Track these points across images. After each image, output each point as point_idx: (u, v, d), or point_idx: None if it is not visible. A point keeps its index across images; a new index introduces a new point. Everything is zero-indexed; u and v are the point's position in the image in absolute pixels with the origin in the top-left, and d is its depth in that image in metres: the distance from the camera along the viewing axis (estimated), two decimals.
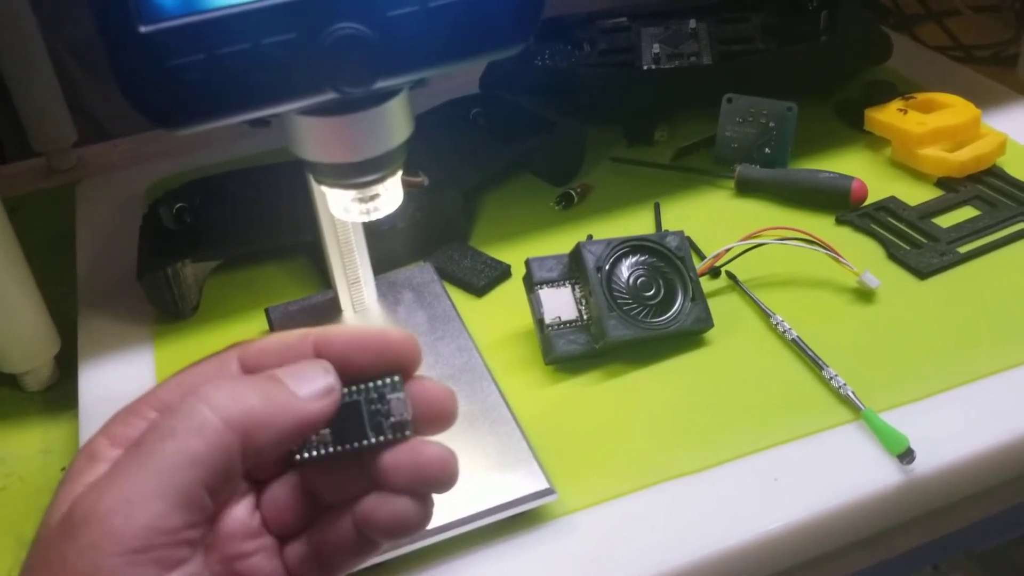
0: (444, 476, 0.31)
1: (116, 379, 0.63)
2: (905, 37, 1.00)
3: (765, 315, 0.63)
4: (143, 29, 0.34)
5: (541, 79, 0.84)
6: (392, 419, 0.31)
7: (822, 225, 0.71)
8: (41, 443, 0.62)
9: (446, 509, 0.49)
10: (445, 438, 0.32)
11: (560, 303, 0.61)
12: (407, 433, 0.31)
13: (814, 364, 0.59)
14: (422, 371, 0.33)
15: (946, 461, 0.53)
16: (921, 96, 0.79)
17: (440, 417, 0.33)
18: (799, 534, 0.51)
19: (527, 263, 0.62)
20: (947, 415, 0.55)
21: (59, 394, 0.66)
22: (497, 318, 0.65)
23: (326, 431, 0.32)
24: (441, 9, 0.38)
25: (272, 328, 0.63)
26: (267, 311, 0.64)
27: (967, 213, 0.72)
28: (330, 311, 0.63)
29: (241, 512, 0.32)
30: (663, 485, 0.53)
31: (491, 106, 0.80)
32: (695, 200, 0.76)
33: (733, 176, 0.76)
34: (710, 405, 0.57)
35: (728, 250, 0.66)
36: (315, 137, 0.42)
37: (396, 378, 0.32)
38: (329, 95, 0.38)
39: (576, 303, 0.61)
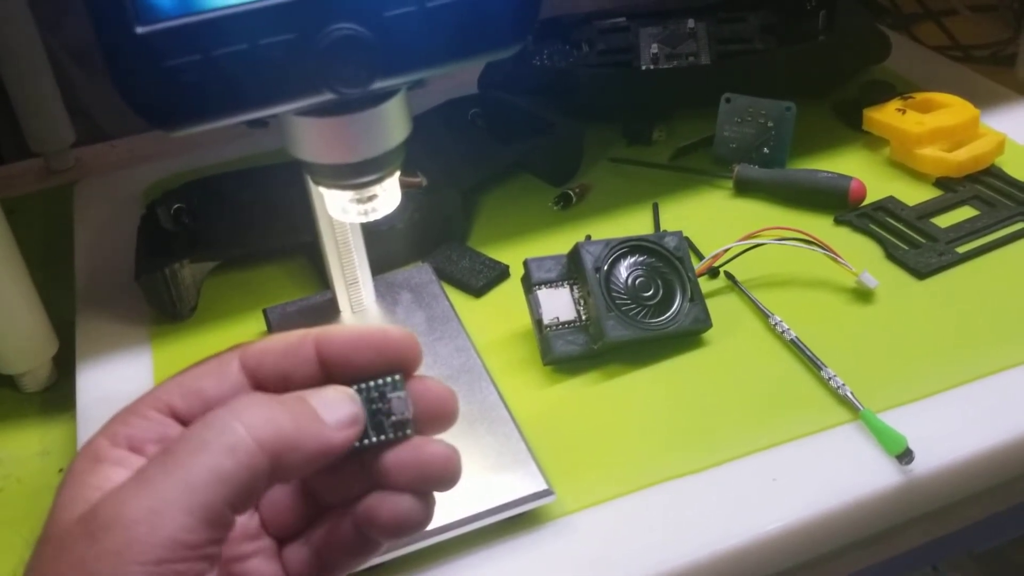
0: (448, 474, 0.31)
1: (114, 380, 0.63)
2: (903, 37, 1.00)
3: (764, 315, 0.63)
4: (140, 30, 0.34)
5: (540, 79, 0.84)
6: (393, 418, 0.31)
7: (820, 225, 0.71)
8: (39, 444, 0.62)
9: (445, 510, 0.48)
10: (444, 438, 0.32)
11: (559, 303, 0.61)
12: (408, 432, 0.31)
13: (812, 364, 0.59)
14: (420, 371, 0.33)
15: (945, 461, 0.53)
16: (919, 96, 0.79)
17: (441, 416, 0.33)
18: (798, 534, 0.51)
19: (525, 263, 0.62)
20: (946, 415, 0.55)
21: (57, 395, 0.66)
22: (495, 319, 0.65)
23: None
24: (439, 9, 0.38)
25: (270, 329, 0.63)
26: (265, 312, 0.64)
27: (966, 213, 0.72)
28: (328, 312, 0.63)
29: None
30: (662, 485, 0.53)
31: (489, 106, 0.80)
32: (693, 200, 0.76)
33: (731, 176, 0.76)
34: (709, 405, 0.57)
35: (727, 250, 0.66)
36: (313, 138, 0.42)
37: (397, 377, 0.32)
38: (326, 96, 0.38)
39: (575, 303, 0.61)
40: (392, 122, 0.43)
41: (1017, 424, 0.55)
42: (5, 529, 0.56)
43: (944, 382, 0.57)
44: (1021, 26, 1.00)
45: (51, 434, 0.63)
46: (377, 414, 0.31)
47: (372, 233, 0.60)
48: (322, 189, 0.46)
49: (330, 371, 0.32)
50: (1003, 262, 0.67)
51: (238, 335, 0.65)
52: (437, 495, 0.32)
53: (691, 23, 0.87)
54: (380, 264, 0.65)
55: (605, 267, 0.60)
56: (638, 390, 0.59)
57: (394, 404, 0.31)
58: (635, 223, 0.73)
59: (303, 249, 0.71)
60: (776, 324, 0.61)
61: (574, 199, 0.76)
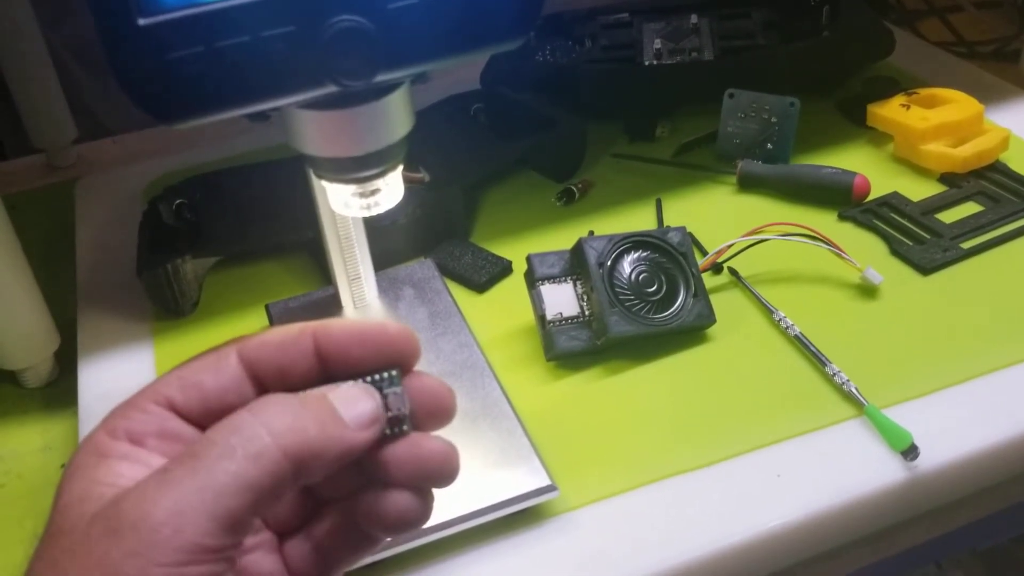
0: (446, 470, 0.31)
1: (116, 376, 0.63)
2: (907, 32, 1.00)
3: (768, 311, 0.62)
4: (142, 22, 0.34)
5: (542, 75, 0.83)
6: (390, 413, 0.31)
7: (825, 221, 0.71)
8: (41, 440, 0.62)
9: (447, 506, 0.48)
10: (445, 434, 0.32)
11: (562, 299, 0.61)
12: (405, 428, 0.31)
13: (817, 360, 0.58)
14: (423, 367, 0.33)
15: (950, 458, 0.53)
16: (924, 92, 0.78)
17: (438, 412, 0.32)
18: (802, 531, 0.50)
19: (528, 259, 0.62)
20: (951, 411, 0.55)
21: (59, 391, 0.66)
22: (498, 314, 0.65)
23: None
24: (442, 2, 0.38)
25: (272, 325, 0.63)
26: (267, 307, 0.64)
27: (970, 209, 0.71)
28: (331, 307, 0.62)
29: None
30: (665, 482, 0.52)
31: (492, 102, 0.80)
32: (697, 196, 0.76)
33: (735, 172, 0.75)
34: (712, 401, 0.57)
35: (730, 246, 0.66)
36: (315, 131, 0.42)
37: (394, 372, 0.32)
38: (329, 88, 0.38)
39: (578, 299, 0.61)
40: (395, 115, 0.42)
41: (1023, 420, 0.54)
42: (7, 525, 0.56)
43: (949, 378, 0.57)
44: None
45: (53, 430, 0.63)
46: None
47: (374, 229, 0.60)
48: (325, 183, 0.46)
49: (328, 365, 0.31)
50: (1008, 258, 0.67)
51: (240, 331, 0.64)
52: (440, 491, 0.32)
53: (694, 19, 0.87)
54: (382, 260, 0.65)
55: (608, 263, 0.60)
56: (641, 386, 0.59)
57: (391, 400, 0.31)
58: (638, 219, 0.73)
59: (305, 245, 0.71)
60: (780, 320, 0.61)
61: (577, 195, 0.76)
